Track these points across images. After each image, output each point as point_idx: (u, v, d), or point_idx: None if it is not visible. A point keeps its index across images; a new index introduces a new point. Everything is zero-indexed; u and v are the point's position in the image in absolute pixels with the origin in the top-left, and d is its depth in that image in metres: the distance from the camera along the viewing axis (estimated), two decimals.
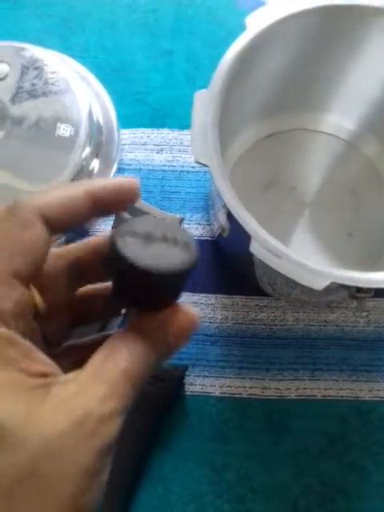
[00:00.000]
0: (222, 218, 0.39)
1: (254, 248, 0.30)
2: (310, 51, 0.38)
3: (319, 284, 0.29)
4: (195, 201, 0.48)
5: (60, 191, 0.20)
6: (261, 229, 0.30)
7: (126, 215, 0.42)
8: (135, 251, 0.18)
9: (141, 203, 0.43)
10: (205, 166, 0.32)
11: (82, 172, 0.45)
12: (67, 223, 0.20)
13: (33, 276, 0.19)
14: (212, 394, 0.42)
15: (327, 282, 0.29)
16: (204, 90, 0.33)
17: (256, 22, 0.34)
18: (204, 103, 0.32)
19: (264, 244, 0.30)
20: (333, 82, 0.43)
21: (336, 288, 0.32)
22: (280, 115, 0.45)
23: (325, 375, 0.42)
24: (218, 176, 0.31)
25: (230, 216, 0.37)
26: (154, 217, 0.20)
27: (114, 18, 0.54)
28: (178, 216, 0.43)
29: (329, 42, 0.38)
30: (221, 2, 0.55)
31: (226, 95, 0.34)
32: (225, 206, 0.37)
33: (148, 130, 0.50)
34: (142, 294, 0.20)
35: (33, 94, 0.46)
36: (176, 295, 0.20)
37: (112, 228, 0.42)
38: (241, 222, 0.30)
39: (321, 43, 0.37)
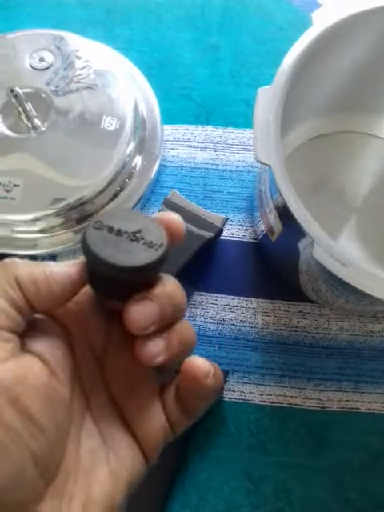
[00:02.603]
0: (273, 221, 0.37)
1: (318, 254, 0.28)
2: (377, 52, 0.36)
3: None
4: (238, 201, 0.47)
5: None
6: (325, 234, 0.29)
7: (165, 210, 0.41)
8: (99, 243, 0.20)
9: (182, 199, 0.41)
10: (267, 165, 0.30)
11: (125, 168, 0.44)
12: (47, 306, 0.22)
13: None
14: (251, 402, 0.41)
15: None
16: (267, 87, 0.31)
17: (323, 18, 0.33)
18: (267, 100, 0.31)
19: (329, 250, 0.28)
20: None
21: None
22: (335, 116, 0.43)
23: (369, 388, 0.41)
24: (280, 178, 0.30)
25: (283, 219, 0.35)
26: (135, 213, 0.22)
27: (160, 11, 0.53)
28: (222, 216, 0.41)
29: None
30: None
31: (287, 92, 0.32)
32: (278, 207, 0.36)
33: (191, 127, 0.49)
34: (105, 285, 0.22)
35: (78, 85, 0.45)
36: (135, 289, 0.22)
37: None
38: (304, 226, 0.29)
39: None
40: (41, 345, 0.22)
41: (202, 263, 0.44)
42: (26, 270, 0.21)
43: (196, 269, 0.43)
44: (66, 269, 0.21)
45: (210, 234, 0.40)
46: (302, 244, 0.34)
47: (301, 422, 0.40)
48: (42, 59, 0.45)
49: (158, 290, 0.22)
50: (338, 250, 0.28)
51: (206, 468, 0.39)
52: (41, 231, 0.43)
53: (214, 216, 0.41)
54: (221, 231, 0.42)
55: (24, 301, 0.20)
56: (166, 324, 0.23)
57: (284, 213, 0.34)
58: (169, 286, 0.23)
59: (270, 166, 0.30)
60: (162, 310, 0.22)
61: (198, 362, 0.24)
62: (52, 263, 0.22)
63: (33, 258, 0.44)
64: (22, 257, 0.44)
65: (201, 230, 0.40)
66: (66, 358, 0.23)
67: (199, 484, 0.39)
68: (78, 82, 0.45)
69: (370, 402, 0.40)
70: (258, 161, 0.30)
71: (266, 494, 0.39)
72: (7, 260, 0.22)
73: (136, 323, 0.21)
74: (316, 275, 0.38)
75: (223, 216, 0.41)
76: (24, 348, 0.21)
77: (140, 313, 0.21)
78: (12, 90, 0.41)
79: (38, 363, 0.21)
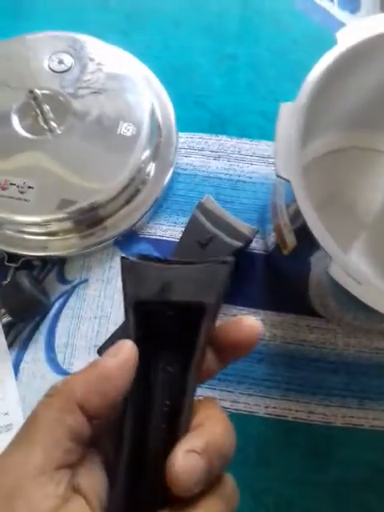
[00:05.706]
0: (287, 235, 0.37)
1: (334, 271, 0.29)
2: None
3: None
4: (249, 212, 0.47)
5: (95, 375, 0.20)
6: (341, 252, 0.29)
7: (198, 215, 0.40)
8: None
9: (215, 205, 0.41)
10: (286, 181, 0.30)
11: (139, 174, 0.44)
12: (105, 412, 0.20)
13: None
14: (256, 414, 0.41)
15: None
16: (290, 103, 0.31)
17: (347, 37, 0.33)
18: (289, 116, 0.31)
19: (345, 268, 0.28)
20: None
21: None
22: (351, 132, 0.43)
23: (374, 405, 0.41)
24: (300, 194, 0.30)
25: (299, 234, 0.36)
26: None
27: (179, 18, 0.53)
28: (252, 226, 0.41)
29: None
30: (285, 8, 0.54)
31: (308, 110, 0.32)
32: (293, 222, 0.36)
33: (206, 136, 0.49)
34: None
35: (96, 89, 0.45)
36: None
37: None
38: (322, 243, 0.29)
39: None
40: (86, 480, 0.20)
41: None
42: (82, 390, 0.20)
43: None
44: (119, 360, 0.20)
45: (239, 244, 0.39)
46: (314, 258, 0.34)
47: (305, 437, 0.40)
48: (61, 61, 0.46)
49: (206, 436, 0.20)
50: (353, 267, 0.28)
51: None
52: (50, 234, 0.43)
53: (245, 226, 0.40)
54: (250, 241, 0.41)
55: (84, 424, 0.20)
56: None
57: (300, 228, 0.34)
58: (218, 428, 0.21)
59: (289, 182, 0.30)
60: (210, 466, 0.19)
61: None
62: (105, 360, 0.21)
63: (43, 260, 0.44)
64: (31, 258, 0.44)
65: (231, 239, 0.40)
66: (103, 490, 0.21)
67: None
68: (96, 86, 0.45)
69: (374, 419, 0.40)
70: (278, 176, 0.30)
71: (268, 507, 0.39)
72: (62, 381, 0.21)
73: (181, 484, 0.18)
74: (326, 290, 0.38)
75: (253, 227, 0.41)
76: (72, 480, 0.20)
77: (186, 471, 0.18)
78: (31, 91, 0.41)
79: (84, 507, 0.19)
